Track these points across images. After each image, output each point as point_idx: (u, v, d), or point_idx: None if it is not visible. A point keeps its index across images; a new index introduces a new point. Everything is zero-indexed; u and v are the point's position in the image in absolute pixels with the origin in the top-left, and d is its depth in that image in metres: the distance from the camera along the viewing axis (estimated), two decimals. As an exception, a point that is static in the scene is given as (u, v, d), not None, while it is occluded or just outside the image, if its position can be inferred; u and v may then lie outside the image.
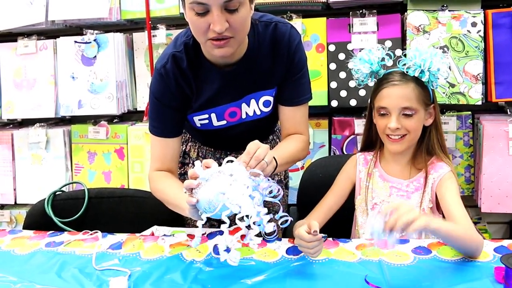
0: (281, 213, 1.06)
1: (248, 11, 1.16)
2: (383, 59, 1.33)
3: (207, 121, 1.36)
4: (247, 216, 0.99)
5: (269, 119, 1.42)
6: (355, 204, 1.42)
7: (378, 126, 1.36)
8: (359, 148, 1.52)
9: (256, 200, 1.01)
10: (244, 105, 1.36)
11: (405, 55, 1.34)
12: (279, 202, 1.09)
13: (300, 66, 1.34)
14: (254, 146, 1.12)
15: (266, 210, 1.01)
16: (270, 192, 1.06)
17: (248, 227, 1.00)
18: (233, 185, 1.01)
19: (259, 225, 1.01)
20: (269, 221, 1.02)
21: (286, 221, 1.07)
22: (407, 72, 1.29)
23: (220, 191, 1.00)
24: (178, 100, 1.31)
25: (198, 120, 1.36)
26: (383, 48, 1.34)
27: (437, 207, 1.32)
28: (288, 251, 1.20)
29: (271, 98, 1.37)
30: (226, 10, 1.11)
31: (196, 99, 1.32)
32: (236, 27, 1.13)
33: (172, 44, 1.31)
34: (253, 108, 1.37)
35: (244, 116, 1.37)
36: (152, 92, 1.32)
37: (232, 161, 1.08)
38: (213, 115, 1.35)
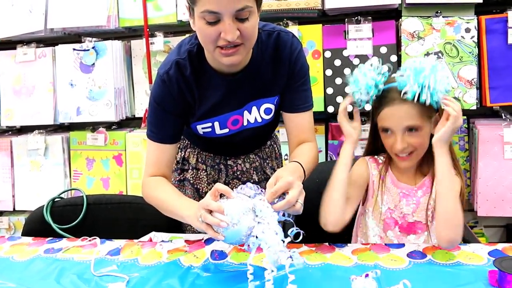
0: (293, 229, 1.10)
1: (257, 20, 1.18)
2: (380, 74, 1.26)
3: (210, 129, 1.37)
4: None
5: (269, 126, 1.44)
6: (366, 206, 1.40)
7: (384, 144, 1.33)
8: (355, 153, 1.52)
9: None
10: (246, 113, 1.37)
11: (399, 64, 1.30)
12: (292, 221, 1.13)
13: (301, 73, 1.36)
14: (284, 186, 1.10)
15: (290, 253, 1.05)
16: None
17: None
18: (266, 232, 1.04)
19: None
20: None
21: (299, 234, 1.10)
22: (403, 97, 1.21)
23: (250, 234, 1.05)
24: (179, 106, 1.31)
25: (201, 128, 1.37)
26: (379, 62, 1.28)
27: None
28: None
29: (272, 106, 1.38)
30: (237, 19, 1.12)
31: (199, 107, 1.33)
32: (247, 35, 1.15)
33: (175, 51, 1.32)
34: (254, 115, 1.38)
35: (245, 123, 1.38)
36: (153, 97, 1.32)
37: (253, 185, 1.13)
38: (216, 124, 1.36)
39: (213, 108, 1.33)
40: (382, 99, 1.27)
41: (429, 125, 1.28)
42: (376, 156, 1.42)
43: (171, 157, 1.37)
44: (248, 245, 1.07)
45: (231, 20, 1.11)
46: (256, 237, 1.04)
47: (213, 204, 1.07)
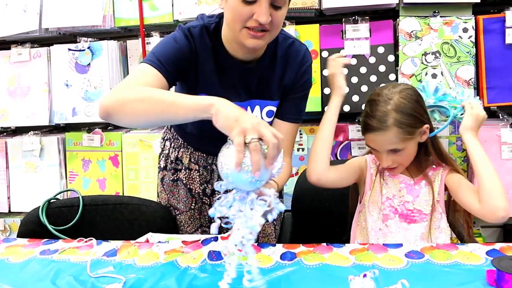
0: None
1: (285, 12, 1.21)
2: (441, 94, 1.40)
3: None
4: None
5: None
6: (364, 200, 1.41)
7: (374, 156, 1.39)
8: (353, 154, 1.54)
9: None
10: (249, 109, 1.38)
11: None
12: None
13: (305, 86, 1.39)
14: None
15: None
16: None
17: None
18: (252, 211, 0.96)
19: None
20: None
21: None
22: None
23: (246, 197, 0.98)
24: (190, 63, 1.28)
25: None
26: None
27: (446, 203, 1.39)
28: (282, 256, 1.21)
29: (274, 109, 1.40)
30: (272, 5, 1.16)
31: (210, 77, 1.32)
32: (276, 23, 1.19)
33: (198, 21, 1.32)
34: (255, 115, 1.38)
35: None
36: (173, 37, 1.27)
37: None
38: None
39: (221, 84, 1.32)
40: (365, 125, 1.33)
41: (414, 141, 1.33)
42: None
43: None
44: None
45: (268, 3, 1.15)
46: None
47: (272, 153, 0.92)
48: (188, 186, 1.53)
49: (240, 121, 0.94)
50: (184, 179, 1.53)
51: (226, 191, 1.00)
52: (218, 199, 1.00)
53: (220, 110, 0.98)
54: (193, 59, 1.29)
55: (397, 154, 1.31)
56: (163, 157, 1.59)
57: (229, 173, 0.94)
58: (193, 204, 1.55)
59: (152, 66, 1.20)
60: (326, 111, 1.39)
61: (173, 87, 1.35)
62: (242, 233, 0.95)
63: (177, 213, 1.57)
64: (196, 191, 1.53)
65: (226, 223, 0.99)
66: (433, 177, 1.36)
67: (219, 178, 1.50)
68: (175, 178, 1.55)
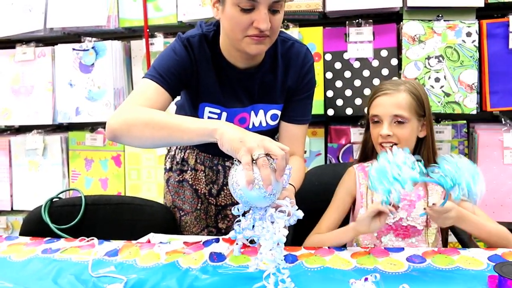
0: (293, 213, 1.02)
1: (283, 15, 1.21)
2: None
3: (216, 116, 1.37)
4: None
5: (271, 131, 1.45)
6: (355, 217, 1.40)
7: (372, 136, 1.37)
8: (355, 157, 1.53)
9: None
10: (252, 114, 1.38)
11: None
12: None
13: (308, 87, 1.39)
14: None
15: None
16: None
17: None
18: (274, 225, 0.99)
19: None
20: None
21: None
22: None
23: (262, 215, 0.99)
24: (192, 74, 1.29)
25: (209, 112, 1.36)
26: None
27: None
28: (284, 259, 1.20)
29: (279, 113, 1.40)
30: (269, 10, 1.15)
31: (211, 87, 1.32)
32: (275, 28, 1.19)
33: (197, 28, 1.32)
34: (260, 119, 1.39)
35: (251, 126, 1.39)
36: (172, 49, 1.28)
37: None
38: (224, 114, 1.36)
39: (223, 92, 1.33)
40: (377, 90, 1.35)
41: (417, 124, 1.33)
42: (365, 164, 1.43)
43: (163, 107, 1.23)
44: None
45: (266, 10, 1.14)
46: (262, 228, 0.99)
47: (282, 165, 0.94)
48: (194, 186, 1.54)
49: (245, 141, 0.95)
50: (190, 179, 1.54)
51: (244, 214, 1.02)
52: (237, 223, 1.01)
53: (224, 134, 0.99)
54: (194, 69, 1.29)
55: (399, 126, 1.31)
56: (169, 158, 1.59)
57: (242, 194, 0.96)
58: (199, 205, 1.55)
59: (153, 81, 1.22)
60: (338, 237, 1.31)
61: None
62: (270, 247, 0.97)
63: (182, 214, 1.58)
64: (202, 192, 1.54)
65: (251, 242, 1.02)
66: (431, 191, 1.34)
67: (225, 179, 1.51)
68: (181, 179, 1.56)
